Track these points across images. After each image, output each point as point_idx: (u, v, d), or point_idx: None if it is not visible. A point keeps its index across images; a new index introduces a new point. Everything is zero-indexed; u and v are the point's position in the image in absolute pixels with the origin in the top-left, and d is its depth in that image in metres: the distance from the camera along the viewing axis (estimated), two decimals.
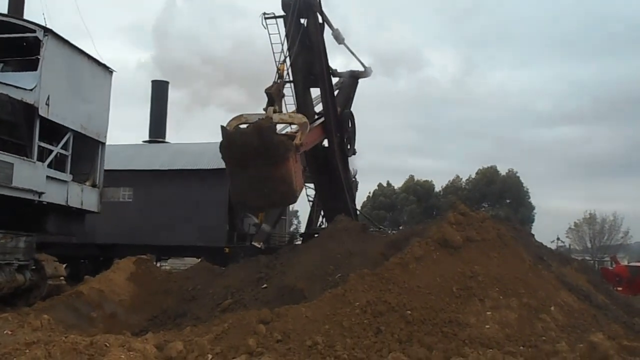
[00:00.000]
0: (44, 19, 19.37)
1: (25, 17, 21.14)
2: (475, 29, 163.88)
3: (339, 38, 24.05)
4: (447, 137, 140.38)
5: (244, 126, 18.41)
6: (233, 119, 18.93)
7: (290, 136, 18.56)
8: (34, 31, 18.25)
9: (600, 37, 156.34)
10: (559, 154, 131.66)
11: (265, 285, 16.37)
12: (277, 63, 20.73)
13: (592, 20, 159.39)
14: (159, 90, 39.36)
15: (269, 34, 22.44)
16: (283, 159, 17.43)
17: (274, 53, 22.31)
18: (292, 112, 21.09)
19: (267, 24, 22.36)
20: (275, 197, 17.78)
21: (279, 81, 19.71)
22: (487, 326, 11.41)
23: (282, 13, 21.75)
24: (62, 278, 18.92)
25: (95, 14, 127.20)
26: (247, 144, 17.12)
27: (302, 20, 22.02)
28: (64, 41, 18.84)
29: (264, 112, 18.83)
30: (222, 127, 18.02)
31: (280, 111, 19.33)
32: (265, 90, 19.24)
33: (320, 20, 22.51)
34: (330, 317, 11.51)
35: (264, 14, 22.19)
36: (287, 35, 21.37)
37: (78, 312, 15.49)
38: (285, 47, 21.13)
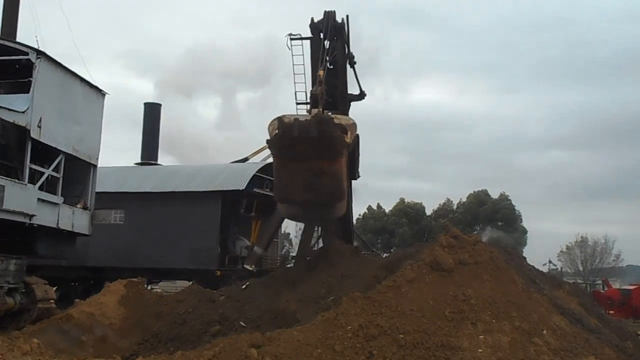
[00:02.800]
0: (37, 41, 19.41)
1: (18, 40, 21.16)
2: (466, 55, 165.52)
3: (351, 61, 24.22)
4: (438, 160, 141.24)
5: None
6: (276, 118, 18.78)
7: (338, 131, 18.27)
8: (27, 53, 18.26)
9: (585, 63, 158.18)
10: (549, 178, 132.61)
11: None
12: (295, 83, 21.10)
13: (581, 46, 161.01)
14: (151, 113, 39.45)
15: (292, 55, 22.63)
16: (338, 155, 17.27)
17: (294, 74, 22.53)
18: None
19: (291, 45, 22.57)
20: (323, 194, 17.37)
21: (320, 85, 19.70)
22: (480, 350, 11.38)
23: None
24: (52, 301, 18.77)
25: (89, 40, 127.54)
26: (305, 134, 16.80)
27: (326, 44, 22.24)
28: (56, 64, 18.86)
29: (306, 114, 18.77)
30: (279, 118, 17.75)
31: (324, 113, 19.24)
32: (312, 92, 19.23)
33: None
34: (322, 340, 11.46)
35: (290, 34, 22.41)
36: (312, 57, 21.58)
37: (68, 336, 15.38)
38: (308, 67, 21.36)
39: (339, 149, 17.11)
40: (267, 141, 17.70)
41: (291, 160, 17.25)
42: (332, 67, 22.75)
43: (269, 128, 18.12)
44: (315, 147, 16.69)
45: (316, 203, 18.14)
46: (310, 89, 22.85)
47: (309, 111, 19.06)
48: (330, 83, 22.28)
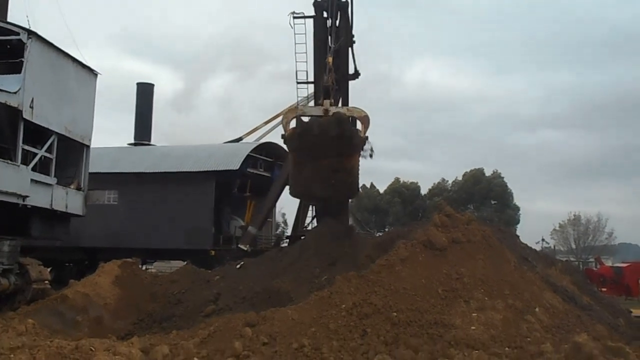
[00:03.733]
0: (28, 22, 19.25)
1: (9, 20, 20.97)
2: (458, 37, 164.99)
3: (351, 40, 24.14)
4: (431, 141, 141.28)
5: (305, 118, 18.41)
6: (289, 111, 18.94)
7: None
8: (18, 34, 18.11)
9: (579, 43, 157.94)
10: (542, 157, 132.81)
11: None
12: (297, 62, 21.11)
13: (573, 26, 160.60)
14: (144, 93, 39.18)
15: (295, 34, 22.59)
16: (356, 151, 17.65)
17: (296, 53, 22.49)
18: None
19: (294, 24, 22.52)
20: (341, 189, 17.68)
21: (330, 74, 19.73)
22: (473, 327, 11.45)
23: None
24: (46, 282, 18.77)
25: (82, 22, 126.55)
26: (324, 133, 17.10)
27: (329, 23, 22.20)
28: (48, 44, 18.72)
29: (319, 105, 18.94)
30: (297, 117, 17.94)
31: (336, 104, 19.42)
32: (324, 84, 19.29)
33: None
34: (316, 319, 11.53)
35: (293, 13, 22.35)
36: (315, 36, 21.55)
37: (63, 317, 15.40)
38: (310, 46, 21.35)
39: (357, 146, 17.44)
40: (282, 136, 17.92)
41: (309, 158, 17.53)
42: (334, 46, 22.68)
43: (282, 121, 18.33)
44: (335, 145, 17.12)
45: (333, 197, 18.45)
46: (312, 68, 22.86)
47: (320, 103, 19.15)
48: (333, 64, 22.29)
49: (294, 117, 18.39)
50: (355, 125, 18.59)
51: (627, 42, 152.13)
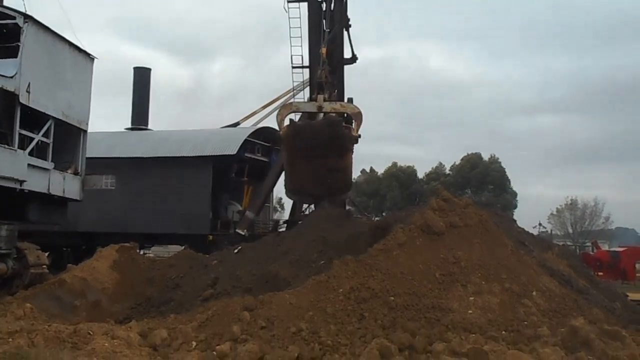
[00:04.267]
0: (24, 5, 19.14)
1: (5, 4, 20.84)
2: (456, 21, 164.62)
3: (347, 24, 24.10)
4: (428, 126, 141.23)
5: (296, 115, 18.64)
6: (283, 107, 19.25)
7: (346, 126, 18.76)
8: (14, 18, 18.01)
9: (576, 28, 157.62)
10: (539, 142, 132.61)
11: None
12: (292, 47, 21.18)
13: (569, 10, 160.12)
14: (141, 77, 39.05)
15: (289, 18, 22.56)
16: (347, 151, 17.85)
17: (291, 37, 22.46)
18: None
19: (288, 7, 22.49)
20: (335, 187, 17.99)
21: (324, 67, 19.87)
22: (470, 311, 11.51)
23: None
24: (44, 266, 18.78)
25: (79, 6, 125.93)
26: (316, 136, 17.49)
27: (323, 7, 22.20)
28: (44, 28, 18.62)
29: (314, 101, 19.10)
30: (291, 120, 18.27)
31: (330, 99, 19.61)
32: (317, 80, 19.47)
33: None
34: (314, 303, 11.56)
35: None
36: (309, 20, 21.59)
37: (61, 301, 15.44)
38: (305, 30, 21.40)
39: (348, 146, 17.71)
40: (276, 134, 18.32)
41: (303, 159, 17.78)
42: (328, 30, 22.63)
43: (277, 118, 18.55)
44: (327, 147, 17.54)
45: (328, 194, 18.65)
46: (307, 52, 22.88)
47: (314, 98, 19.29)
48: (327, 48, 22.25)
49: (289, 113, 18.61)
50: (349, 121, 18.81)
51: (625, 27, 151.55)
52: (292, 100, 20.15)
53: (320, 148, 17.62)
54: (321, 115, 18.88)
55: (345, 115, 18.87)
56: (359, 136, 18.36)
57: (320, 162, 17.88)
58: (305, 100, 23.40)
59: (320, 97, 18.77)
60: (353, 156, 19.04)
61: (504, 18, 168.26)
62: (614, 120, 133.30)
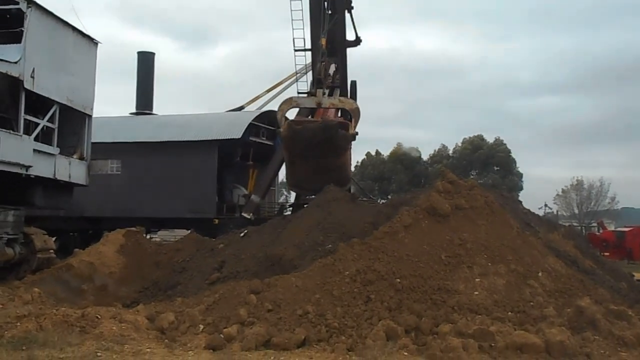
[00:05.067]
0: None
1: None
2: (459, 2, 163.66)
3: (349, 6, 24.01)
4: (431, 108, 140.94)
5: (295, 110, 19.06)
6: (283, 102, 19.63)
7: (343, 123, 19.05)
8: (17, 3, 17.97)
9: (579, 8, 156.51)
10: (543, 123, 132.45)
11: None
12: (293, 29, 21.39)
13: None
14: (145, 62, 38.95)
15: (291, 0, 22.52)
16: (344, 150, 18.32)
17: (292, 20, 22.42)
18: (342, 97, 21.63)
19: None
20: (333, 182, 18.24)
21: (323, 61, 20.17)
22: (476, 293, 11.53)
23: None
24: (51, 251, 18.87)
25: None
26: (312, 139, 17.94)
27: None
28: (47, 13, 18.58)
29: (313, 96, 19.43)
30: (288, 121, 18.77)
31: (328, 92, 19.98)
32: (315, 76, 19.71)
33: None
34: (320, 286, 11.60)
35: None
36: (310, 2, 21.61)
37: (68, 285, 15.55)
38: (307, 12, 21.58)
39: (344, 147, 18.16)
40: (276, 130, 18.72)
41: (301, 158, 18.19)
42: (330, 13, 22.55)
43: (277, 114, 18.95)
44: (323, 148, 18.05)
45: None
46: (309, 35, 22.81)
47: (313, 93, 19.60)
48: (329, 30, 22.19)
49: (289, 109, 18.92)
50: (347, 117, 19.13)
51: (628, 6, 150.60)
52: (291, 96, 20.42)
53: (317, 149, 18.05)
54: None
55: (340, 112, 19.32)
56: (357, 133, 18.68)
57: (318, 161, 18.40)
58: (308, 87, 23.60)
59: (320, 91, 19.08)
60: (351, 150, 19.55)
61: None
62: (619, 100, 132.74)
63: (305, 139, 18.10)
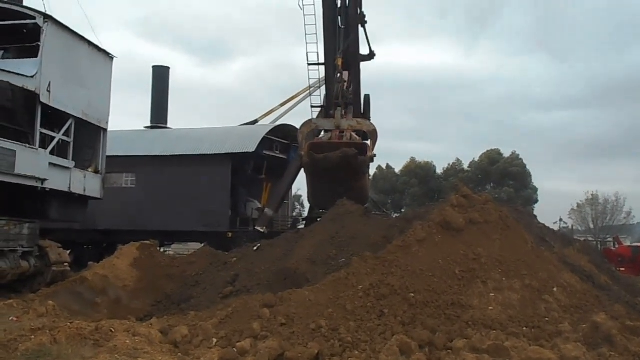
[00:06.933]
0: (44, 5, 19.32)
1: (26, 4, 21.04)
2: (473, 16, 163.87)
3: (362, 20, 24.09)
4: (445, 122, 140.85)
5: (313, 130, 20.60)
6: (303, 125, 20.37)
7: (361, 146, 19.79)
8: (34, 18, 18.19)
9: (596, 25, 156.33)
10: (559, 137, 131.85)
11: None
12: (307, 44, 21.82)
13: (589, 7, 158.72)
14: (160, 76, 39.23)
15: (304, 15, 22.67)
16: (363, 174, 19.53)
17: (306, 35, 22.57)
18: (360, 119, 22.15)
19: (303, 5, 22.60)
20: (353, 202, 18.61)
21: (340, 82, 20.72)
22: (490, 308, 11.44)
23: None
24: (66, 264, 18.99)
25: (98, 6, 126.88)
26: (332, 167, 18.88)
27: (338, 3, 22.36)
28: (63, 27, 18.78)
29: (332, 119, 20.55)
30: (309, 148, 19.56)
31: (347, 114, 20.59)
32: (333, 100, 20.33)
33: None
34: (333, 300, 11.55)
35: None
36: (324, 16, 21.87)
37: (82, 298, 15.58)
38: (321, 27, 21.86)
39: (364, 171, 18.76)
40: (297, 152, 20.53)
41: (322, 182, 18.77)
42: (344, 27, 22.65)
43: (298, 136, 19.73)
44: (342, 174, 18.97)
45: None
46: (323, 49, 22.96)
47: (332, 115, 20.87)
48: (343, 54, 22.46)
49: (309, 131, 19.47)
50: (364, 138, 19.67)
51: None
52: (311, 118, 21.14)
53: (337, 175, 18.88)
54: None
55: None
56: (375, 155, 19.08)
57: (338, 185, 18.94)
58: (321, 100, 23.88)
59: (338, 113, 19.57)
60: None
61: (521, 13, 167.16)
62: (634, 114, 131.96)
63: (325, 167, 18.90)
